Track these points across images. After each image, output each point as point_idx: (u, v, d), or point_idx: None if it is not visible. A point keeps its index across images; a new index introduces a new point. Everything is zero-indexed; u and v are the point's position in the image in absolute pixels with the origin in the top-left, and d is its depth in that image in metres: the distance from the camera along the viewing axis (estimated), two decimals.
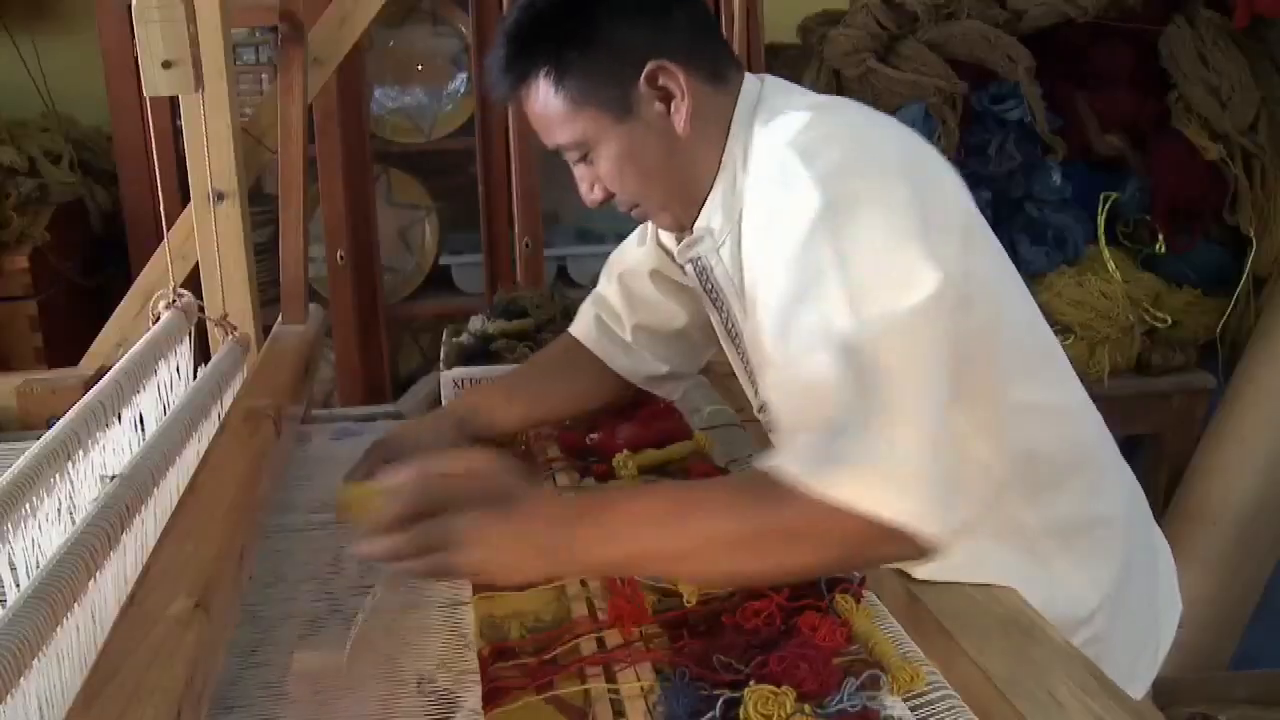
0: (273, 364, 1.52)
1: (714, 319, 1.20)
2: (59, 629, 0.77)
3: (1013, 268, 1.09)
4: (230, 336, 1.49)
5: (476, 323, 1.85)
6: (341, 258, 2.47)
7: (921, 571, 1.04)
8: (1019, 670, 0.92)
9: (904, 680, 0.86)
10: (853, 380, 0.85)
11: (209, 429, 1.25)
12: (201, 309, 1.48)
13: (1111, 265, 2.52)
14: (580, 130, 1.07)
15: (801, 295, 0.90)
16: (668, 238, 1.26)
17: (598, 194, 1.12)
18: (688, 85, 1.04)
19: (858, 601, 0.96)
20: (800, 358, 0.89)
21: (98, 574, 0.84)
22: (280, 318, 1.73)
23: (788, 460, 0.85)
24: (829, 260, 0.89)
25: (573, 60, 1.05)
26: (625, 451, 1.29)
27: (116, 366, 1.16)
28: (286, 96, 1.67)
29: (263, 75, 2.49)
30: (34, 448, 0.94)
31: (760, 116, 1.07)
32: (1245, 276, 2.58)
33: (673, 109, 1.05)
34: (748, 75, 1.11)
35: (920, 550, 0.84)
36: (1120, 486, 1.19)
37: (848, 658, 0.90)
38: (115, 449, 1.09)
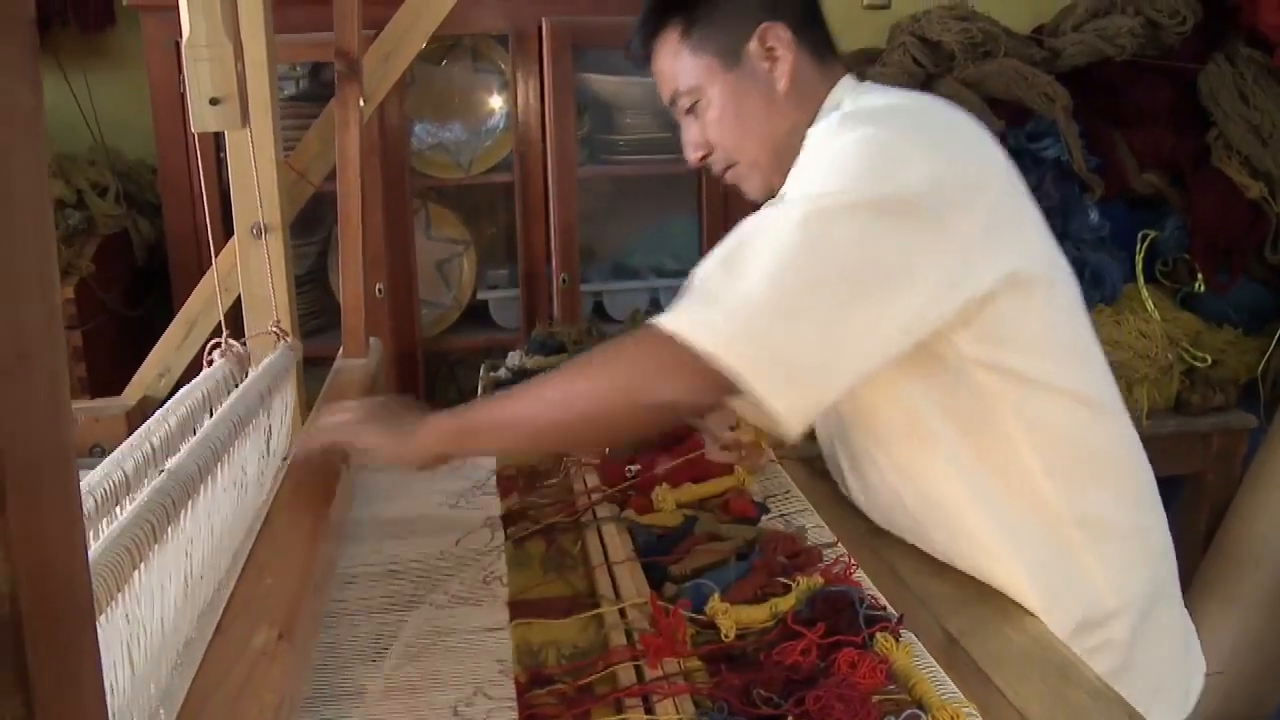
0: (338, 396, 1.55)
1: None
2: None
3: (1066, 265, 1.14)
4: (283, 342, 1.50)
5: (513, 358, 1.87)
6: (380, 291, 2.49)
7: (940, 535, 1.12)
8: (1056, 713, 0.92)
9: None
10: (737, 242, 1.01)
11: (261, 426, 1.28)
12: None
13: (1150, 304, 2.50)
14: (695, 76, 1.21)
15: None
16: None
17: (698, 151, 1.25)
18: (793, 49, 1.19)
19: (897, 640, 0.96)
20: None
21: (142, 564, 0.84)
22: (340, 351, 1.79)
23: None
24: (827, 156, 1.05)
25: (699, 14, 1.21)
26: (664, 485, 1.29)
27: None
28: (344, 133, 1.70)
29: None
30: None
31: (849, 103, 1.17)
32: None
33: (777, 67, 1.19)
34: (849, 74, 1.23)
35: (720, 390, 0.98)
36: (1158, 511, 1.20)
37: (885, 696, 0.90)
38: None
